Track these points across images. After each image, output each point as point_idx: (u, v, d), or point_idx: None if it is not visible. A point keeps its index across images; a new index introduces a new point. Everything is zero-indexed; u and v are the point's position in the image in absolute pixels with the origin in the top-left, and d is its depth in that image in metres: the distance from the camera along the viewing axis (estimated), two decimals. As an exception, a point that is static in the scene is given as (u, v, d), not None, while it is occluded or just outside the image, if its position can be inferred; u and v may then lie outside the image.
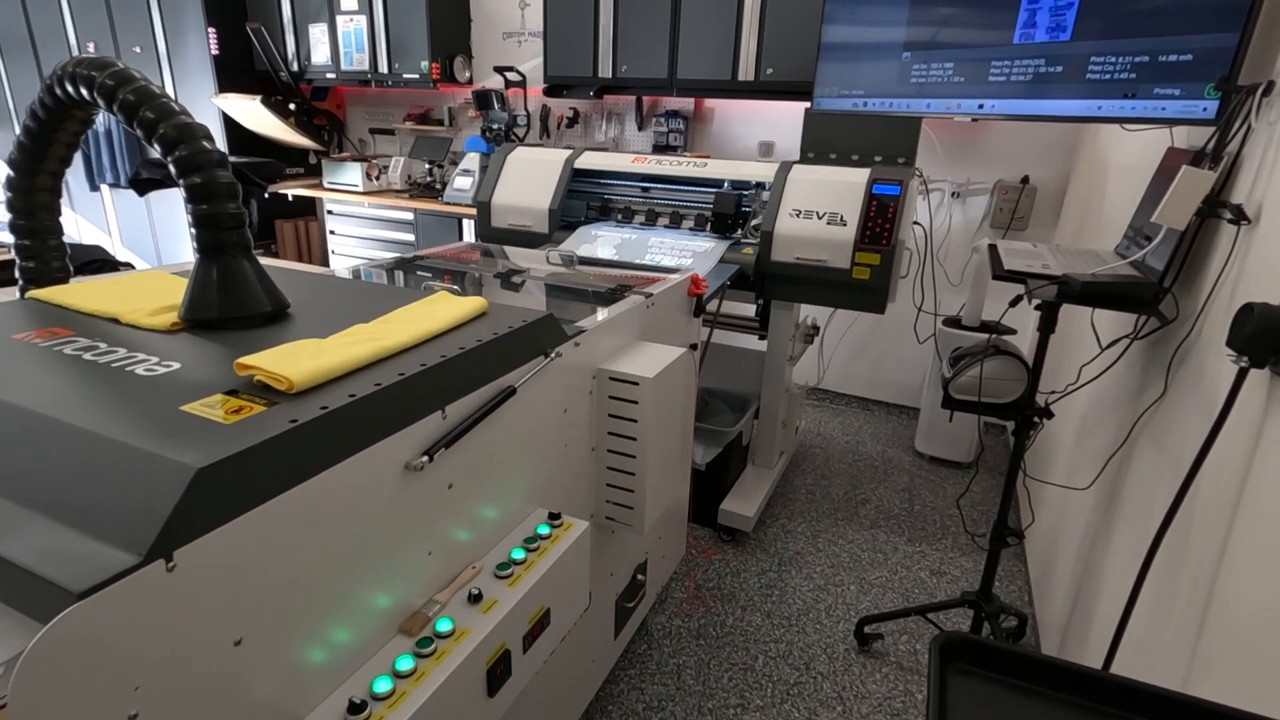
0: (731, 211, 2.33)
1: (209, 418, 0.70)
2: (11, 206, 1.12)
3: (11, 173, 1.10)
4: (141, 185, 3.74)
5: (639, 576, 1.75)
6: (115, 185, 4.48)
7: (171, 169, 0.95)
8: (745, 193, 2.37)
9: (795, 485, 2.77)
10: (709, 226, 2.39)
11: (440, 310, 1.06)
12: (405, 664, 0.83)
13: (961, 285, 3.09)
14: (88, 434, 0.66)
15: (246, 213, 1.00)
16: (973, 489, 2.78)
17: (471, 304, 1.09)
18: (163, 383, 0.78)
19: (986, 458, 3.04)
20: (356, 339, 0.90)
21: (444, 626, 0.89)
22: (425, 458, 0.86)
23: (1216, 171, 1.12)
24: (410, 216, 3.71)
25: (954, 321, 2.85)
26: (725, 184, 2.39)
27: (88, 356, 0.85)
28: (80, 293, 1.08)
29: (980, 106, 1.48)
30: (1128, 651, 1.18)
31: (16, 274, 1.15)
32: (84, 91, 0.96)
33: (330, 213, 3.97)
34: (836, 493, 2.73)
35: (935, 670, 0.55)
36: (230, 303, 0.99)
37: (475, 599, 0.95)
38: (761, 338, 2.59)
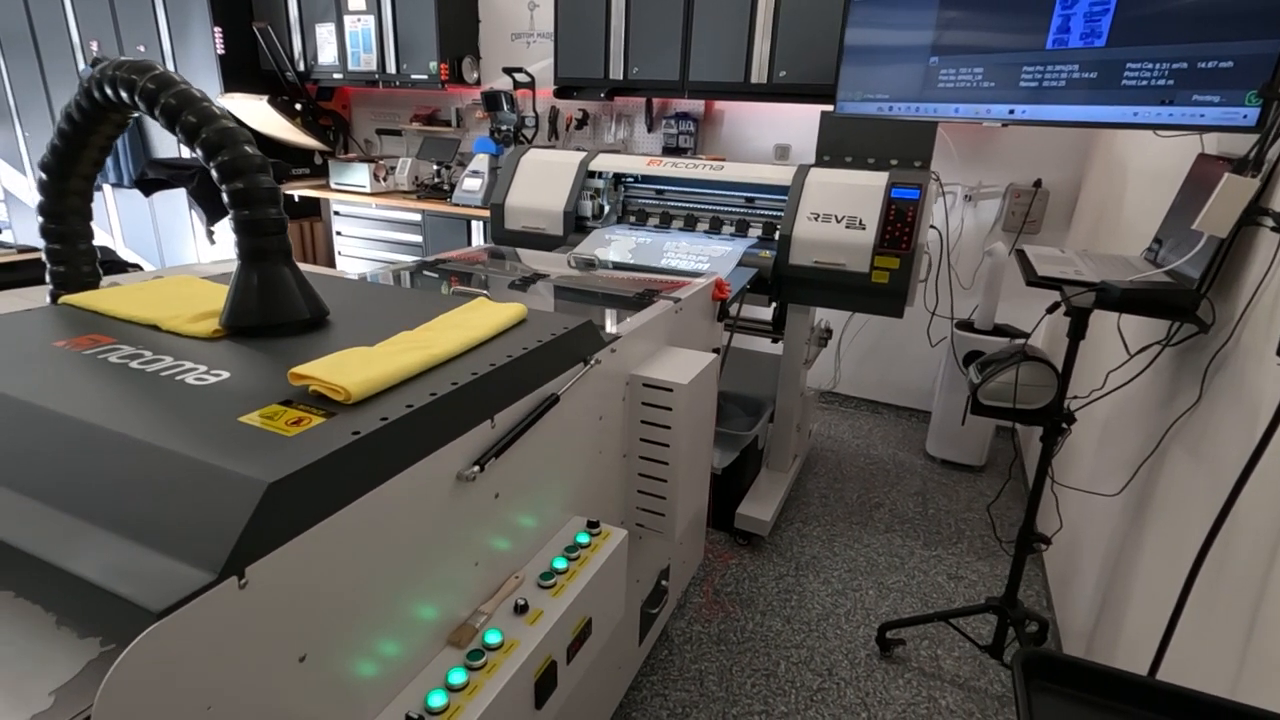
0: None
1: (270, 429, 0.68)
2: (42, 210, 1.10)
3: (44, 176, 1.08)
4: (147, 185, 3.72)
5: (662, 582, 1.74)
6: (118, 185, 4.44)
7: (213, 174, 0.94)
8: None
9: (808, 489, 2.76)
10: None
11: (481, 317, 1.04)
12: (458, 677, 0.82)
13: (972, 288, 3.09)
14: (148, 447, 0.65)
15: (287, 218, 0.98)
16: (985, 493, 2.78)
17: (511, 311, 1.08)
18: (215, 392, 0.77)
19: (997, 461, 3.04)
20: (404, 347, 0.89)
21: (493, 638, 0.88)
22: (476, 468, 0.85)
23: (1258, 179, 1.11)
24: (418, 218, 3.69)
25: (966, 325, 2.86)
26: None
27: (134, 365, 0.83)
28: (114, 298, 1.06)
29: (1011, 112, 1.48)
30: (1168, 666, 1.17)
31: (47, 278, 1.14)
32: (124, 95, 0.94)
33: (337, 213, 3.95)
34: (850, 496, 2.72)
35: (1022, 689, 0.54)
36: (271, 309, 0.97)
37: (521, 610, 0.94)
38: (774, 340, 2.58)
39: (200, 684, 0.56)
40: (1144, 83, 1.26)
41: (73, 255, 1.13)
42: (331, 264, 4.21)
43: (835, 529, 2.50)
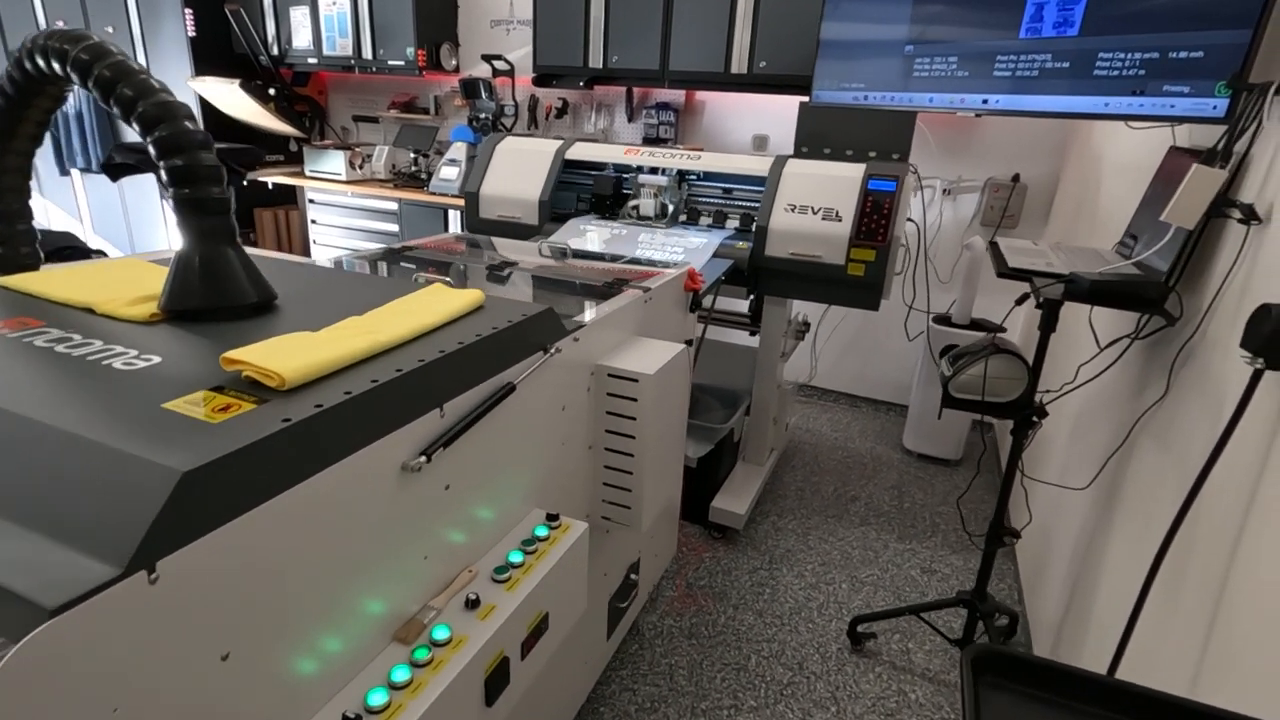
0: (610, 193, 2.40)
1: (194, 416, 0.65)
2: (-23, 188, 1.05)
3: (-23, 152, 1.03)
4: (114, 170, 3.62)
5: (632, 576, 1.72)
6: (86, 170, 4.34)
7: (151, 150, 0.90)
8: (625, 175, 2.43)
9: (785, 482, 2.75)
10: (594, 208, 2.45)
11: (436, 303, 1.01)
12: (401, 674, 0.79)
13: (951, 282, 3.09)
14: (61, 433, 0.61)
15: (231, 198, 0.94)
16: (960, 486, 2.78)
17: (468, 297, 1.05)
18: (143, 378, 0.73)
19: (973, 455, 3.05)
20: (350, 333, 0.86)
21: (441, 634, 0.85)
22: (423, 458, 0.82)
23: (1226, 170, 1.10)
24: (394, 206, 3.63)
25: (944, 319, 2.85)
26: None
27: (61, 349, 0.79)
28: (52, 280, 1.02)
29: (985, 102, 1.46)
30: (1132, 657, 1.17)
31: (-17, 260, 1.09)
32: (56, 66, 0.90)
33: (312, 201, 3.88)
34: (826, 490, 2.72)
35: (969, 685, 0.52)
36: (214, 292, 0.93)
37: (473, 604, 0.91)
38: (752, 333, 2.57)
39: (105, 684, 0.52)
40: (1115, 73, 1.25)
41: (10, 236, 1.08)
42: (306, 252, 4.14)
43: (810, 522, 2.49)
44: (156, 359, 0.78)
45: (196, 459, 0.57)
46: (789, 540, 2.38)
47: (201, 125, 3.35)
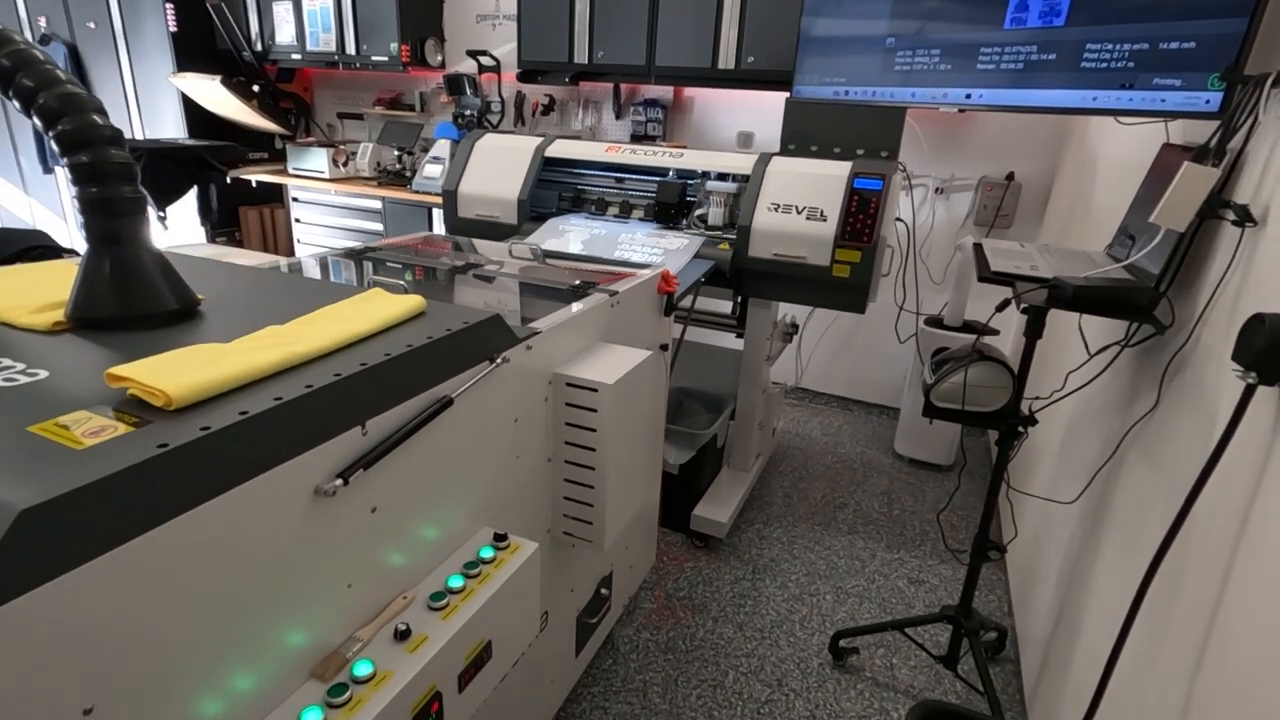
0: (674, 201, 2.27)
1: (60, 441, 0.59)
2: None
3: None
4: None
5: (603, 591, 1.66)
6: (69, 168, 4.27)
7: (53, 145, 0.83)
8: (690, 182, 2.29)
9: (772, 488, 2.69)
10: (651, 215, 2.31)
11: (370, 310, 0.95)
12: (313, 717, 0.72)
13: (944, 283, 3.02)
14: (-97, 462, 0.55)
15: (144, 197, 0.88)
16: (954, 494, 2.71)
17: (407, 303, 0.99)
18: (19, 395, 0.66)
19: (966, 460, 2.98)
20: (263, 344, 0.79)
21: (363, 670, 0.79)
22: (339, 481, 0.75)
23: (1219, 169, 1.03)
24: (378, 205, 3.57)
25: (936, 321, 2.78)
26: (670, 172, 2.30)
27: (-59, 362, 0.73)
28: (-39, 285, 0.95)
29: (968, 96, 1.39)
30: (1119, 682, 1.10)
31: (-106, 263, 1.03)
32: (-48, 56, 0.84)
33: (296, 200, 3.82)
34: (814, 496, 2.65)
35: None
36: (126, 300, 0.87)
37: (402, 635, 0.85)
38: (738, 336, 2.50)
39: (-77, 754, 0.46)
40: (1104, 65, 1.18)
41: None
42: (291, 252, 4.08)
43: (796, 530, 2.42)
44: (43, 374, 0.71)
45: (42, 493, 0.51)
46: (773, 549, 2.31)
47: (184, 121, 3.28)
